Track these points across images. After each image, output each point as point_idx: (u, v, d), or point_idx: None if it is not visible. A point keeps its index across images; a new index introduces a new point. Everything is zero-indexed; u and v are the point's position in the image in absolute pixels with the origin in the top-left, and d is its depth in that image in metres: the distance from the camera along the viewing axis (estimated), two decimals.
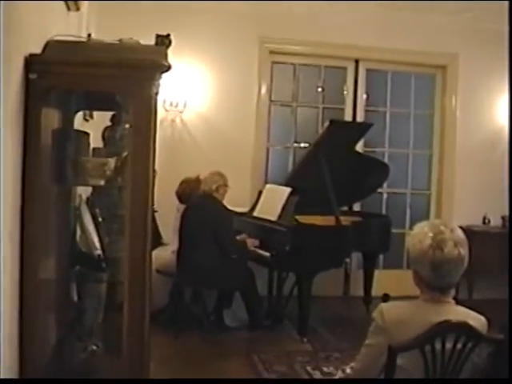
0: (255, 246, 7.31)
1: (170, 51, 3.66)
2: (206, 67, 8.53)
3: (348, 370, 3.24)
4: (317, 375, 5.97)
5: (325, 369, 6.16)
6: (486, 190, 9.30)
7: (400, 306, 3.10)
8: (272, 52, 8.85)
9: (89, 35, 4.92)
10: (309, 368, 6.17)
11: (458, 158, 9.39)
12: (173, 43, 4.00)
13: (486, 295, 8.64)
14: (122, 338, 3.41)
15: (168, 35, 3.94)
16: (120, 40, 3.70)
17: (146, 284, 3.43)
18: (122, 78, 3.30)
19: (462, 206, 9.25)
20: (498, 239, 8.97)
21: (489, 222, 9.26)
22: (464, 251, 2.99)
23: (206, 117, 8.59)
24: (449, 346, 2.89)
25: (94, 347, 3.93)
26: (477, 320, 3.05)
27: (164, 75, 3.42)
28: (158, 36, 3.95)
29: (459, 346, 2.90)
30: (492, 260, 8.62)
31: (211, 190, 7.20)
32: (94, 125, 5.40)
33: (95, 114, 5.84)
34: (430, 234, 2.99)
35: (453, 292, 3.09)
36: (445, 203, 9.47)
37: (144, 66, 3.37)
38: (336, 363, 6.27)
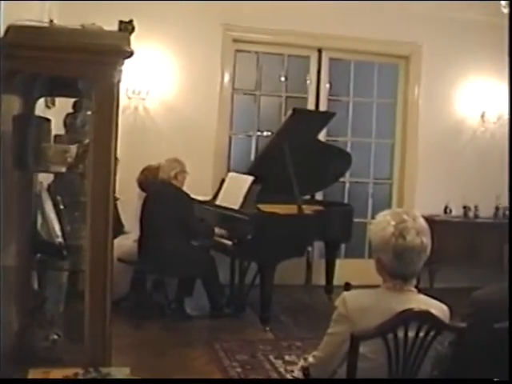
0: (221, 235, 7.30)
1: (132, 38, 3.62)
2: (169, 55, 8.49)
3: (310, 359, 3.25)
4: (279, 364, 5.98)
5: (287, 357, 6.18)
6: (448, 180, 9.39)
7: (362, 294, 3.10)
8: (235, 40, 8.83)
9: (51, 21, 4.86)
10: (271, 357, 6.18)
11: (420, 147, 9.45)
12: (136, 30, 3.96)
13: (447, 284, 8.73)
14: (84, 327, 3.39)
15: (131, 21, 3.91)
16: (82, 25, 3.65)
17: (107, 272, 3.41)
18: (85, 64, 3.27)
19: (423, 195, 9.31)
20: (459, 229, 9.08)
21: (450, 211, 9.33)
22: (426, 240, 3.00)
23: (168, 105, 8.56)
24: (411, 334, 2.90)
25: (56, 336, 3.89)
26: (439, 308, 3.07)
27: (127, 63, 3.39)
28: (120, 22, 3.91)
29: (422, 334, 2.91)
30: (453, 249, 8.71)
31: (170, 177, 7.15)
32: (55, 111, 5.35)
33: (57, 100, 5.78)
34: (393, 223, 3.00)
35: (415, 281, 3.10)
36: (407, 192, 9.53)
37: (106, 51, 3.33)
38: (298, 352, 6.28)
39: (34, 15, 4.49)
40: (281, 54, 9.23)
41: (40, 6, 5.01)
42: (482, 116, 9.55)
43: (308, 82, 9.32)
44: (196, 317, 7.29)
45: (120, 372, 3.30)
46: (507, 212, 9.16)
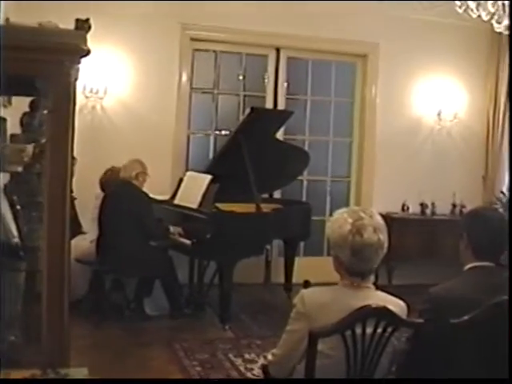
0: (178, 233, 7.30)
1: (89, 37, 3.60)
2: (126, 54, 8.44)
3: (269, 357, 3.26)
4: (239, 362, 6.00)
5: (247, 356, 6.20)
6: (405, 178, 9.46)
7: (320, 291, 3.12)
8: (193, 39, 8.80)
9: (7, 19, 4.81)
10: (231, 355, 6.20)
11: (378, 145, 9.51)
12: (93, 28, 3.94)
13: (404, 281, 8.80)
14: (42, 329, 3.36)
15: (87, 20, 3.88)
16: (39, 24, 3.62)
17: (64, 273, 3.38)
18: (41, 62, 3.24)
19: (381, 193, 9.38)
20: (416, 226, 9.18)
21: (408, 209, 9.41)
22: (383, 237, 3.03)
23: (126, 104, 8.52)
24: (369, 330, 2.93)
25: (13, 338, 3.86)
26: (396, 305, 3.10)
27: (84, 61, 3.36)
28: (77, 20, 3.88)
29: (379, 330, 2.94)
30: (411, 246, 8.80)
31: (130, 177, 7.14)
32: (12, 111, 5.30)
33: (14, 99, 5.73)
34: (350, 220, 3.03)
35: (372, 277, 3.13)
36: (364, 190, 9.59)
37: (63, 50, 3.31)
38: (258, 350, 6.33)
39: None
40: (239, 53, 9.23)
41: None
42: (439, 114, 9.63)
43: (266, 80, 9.33)
44: (155, 317, 7.26)
45: (78, 373, 3.27)
46: (464, 209, 9.26)
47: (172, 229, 7.35)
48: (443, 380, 3.16)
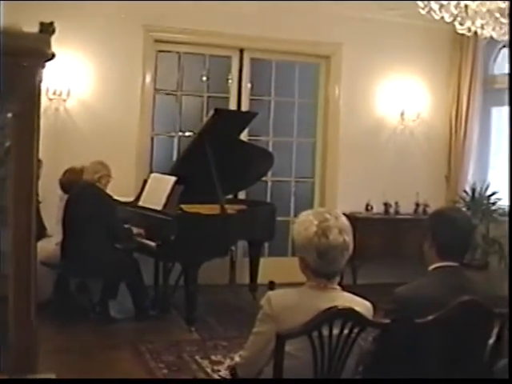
0: (140, 235, 7.27)
1: (53, 38, 3.59)
2: (90, 55, 8.38)
3: (237, 358, 3.28)
4: (205, 364, 6.00)
5: (213, 357, 6.20)
6: (369, 178, 9.52)
7: (287, 293, 3.13)
8: (157, 40, 8.78)
9: None
10: (197, 357, 6.19)
11: (341, 146, 9.55)
12: (56, 31, 3.93)
13: (369, 280, 8.87)
14: (9, 332, 3.35)
15: (52, 23, 3.87)
16: (3, 27, 3.60)
17: (31, 276, 3.37)
18: (5, 66, 3.23)
19: (345, 192, 9.42)
20: (380, 225, 9.24)
21: (371, 208, 9.46)
22: (348, 238, 3.05)
23: (90, 105, 8.47)
24: (336, 331, 2.95)
25: None
26: (362, 305, 3.12)
27: (47, 63, 3.36)
28: (41, 24, 3.87)
29: (346, 331, 2.96)
30: (375, 246, 8.85)
31: (93, 179, 7.13)
32: None
33: None
34: (315, 222, 3.04)
35: (338, 278, 3.15)
36: (328, 190, 9.63)
37: (27, 53, 3.30)
38: (224, 351, 6.34)
39: None
40: (202, 54, 9.21)
41: None
42: (402, 114, 9.70)
43: (230, 81, 9.33)
44: (121, 319, 7.24)
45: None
46: (427, 208, 9.35)
47: (136, 231, 7.32)
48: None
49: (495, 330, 3.32)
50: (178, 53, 9.10)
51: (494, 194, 9.34)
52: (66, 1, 7.89)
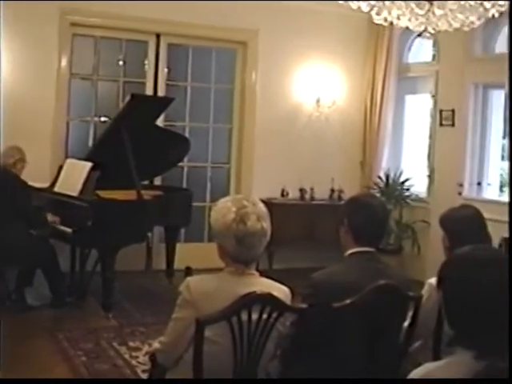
0: (55, 222, 7.19)
1: None
2: (4, 38, 8.14)
3: (156, 344, 3.29)
4: (123, 350, 6.00)
5: (131, 343, 6.20)
6: (285, 163, 9.59)
7: (206, 279, 3.16)
8: (73, 24, 8.64)
9: None
10: (115, 344, 6.19)
11: (257, 132, 9.59)
12: None
13: (285, 265, 8.96)
14: None
15: None
16: None
17: None
18: None
19: (261, 178, 9.47)
20: (296, 211, 9.33)
21: (287, 194, 9.54)
22: (266, 224, 3.10)
23: (3, 89, 8.28)
24: (254, 316, 2.99)
25: None
26: (280, 291, 3.18)
27: None
28: None
29: (264, 316, 3.01)
30: (291, 231, 8.93)
31: (8, 164, 7.02)
32: None
33: None
34: (233, 209, 3.07)
35: (255, 264, 3.19)
36: (244, 176, 9.67)
37: None
38: (142, 337, 6.35)
39: None
40: (119, 39, 9.11)
41: None
42: (318, 101, 9.78)
43: (146, 67, 9.26)
44: (37, 307, 7.15)
45: None
46: (342, 194, 9.49)
47: (51, 217, 7.23)
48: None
49: (410, 313, 3.42)
50: (94, 37, 8.97)
51: (407, 180, 9.55)
52: None
